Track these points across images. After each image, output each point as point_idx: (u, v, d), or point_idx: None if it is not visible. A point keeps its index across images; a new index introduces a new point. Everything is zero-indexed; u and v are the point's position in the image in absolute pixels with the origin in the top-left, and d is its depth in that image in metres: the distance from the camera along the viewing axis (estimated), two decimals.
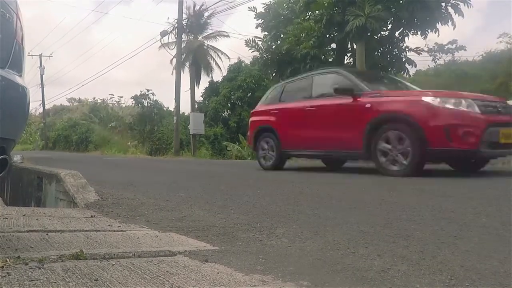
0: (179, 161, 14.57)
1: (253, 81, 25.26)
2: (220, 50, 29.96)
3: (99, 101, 42.15)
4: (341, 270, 1.73)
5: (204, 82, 29.45)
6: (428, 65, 28.96)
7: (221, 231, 2.57)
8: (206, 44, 29.83)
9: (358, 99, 6.42)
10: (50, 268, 1.57)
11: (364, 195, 4.08)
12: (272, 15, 16.90)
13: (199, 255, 1.93)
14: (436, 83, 28.52)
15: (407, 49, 15.40)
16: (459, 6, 13.28)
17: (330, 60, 16.07)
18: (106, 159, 16.77)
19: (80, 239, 2.19)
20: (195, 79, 24.33)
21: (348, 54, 16.24)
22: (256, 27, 17.28)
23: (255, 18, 17.09)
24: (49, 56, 40.62)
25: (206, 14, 25.49)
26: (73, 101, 50.68)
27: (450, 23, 13.54)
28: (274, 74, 17.65)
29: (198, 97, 26.89)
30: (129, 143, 24.52)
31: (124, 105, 37.01)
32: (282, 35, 16.40)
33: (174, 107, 20.91)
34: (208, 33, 29.34)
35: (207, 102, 26.91)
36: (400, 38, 15.10)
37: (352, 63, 15.58)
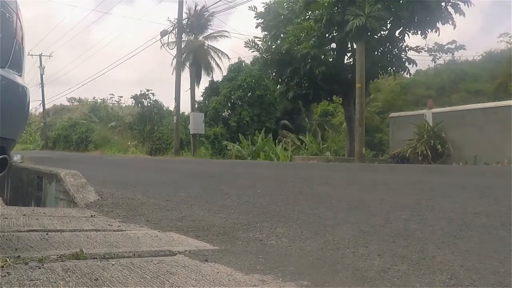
0: (179, 161, 14.57)
1: (253, 80, 25.27)
2: (220, 51, 30.04)
3: (99, 100, 42.21)
4: (341, 269, 1.73)
5: (204, 82, 29.51)
6: (428, 65, 28.95)
7: (221, 230, 2.57)
8: (206, 44, 29.87)
9: None
10: (50, 267, 1.57)
11: (364, 195, 4.08)
12: (272, 15, 16.91)
13: (199, 255, 1.92)
14: (436, 83, 28.59)
15: (407, 48, 15.40)
16: (459, 5, 13.29)
17: (330, 60, 16.08)
18: (106, 158, 16.77)
19: (80, 239, 2.19)
20: (195, 79, 24.32)
21: (348, 54, 16.25)
22: (256, 27, 17.29)
23: (255, 17, 17.10)
24: (49, 56, 40.50)
25: (206, 14, 25.49)
26: (73, 101, 50.74)
27: (450, 23, 13.55)
28: (274, 74, 17.67)
29: (198, 97, 26.94)
30: (129, 143, 24.51)
31: (124, 105, 37.04)
32: (282, 35, 16.41)
33: (174, 107, 20.92)
34: (209, 33, 29.43)
35: (207, 102, 26.92)
36: (400, 37, 15.11)
37: (352, 62, 15.59)
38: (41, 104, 39.84)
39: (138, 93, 23.99)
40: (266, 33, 17.30)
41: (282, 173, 7.25)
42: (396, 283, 1.56)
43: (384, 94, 29.62)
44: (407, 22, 14.15)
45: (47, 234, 2.28)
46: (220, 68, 29.52)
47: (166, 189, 4.69)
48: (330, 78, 15.48)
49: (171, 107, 24.76)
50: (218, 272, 1.63)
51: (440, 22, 13.70)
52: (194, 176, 7.15)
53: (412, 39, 34.74)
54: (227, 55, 29.66)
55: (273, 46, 16.78)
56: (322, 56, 15.42)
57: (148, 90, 24.06)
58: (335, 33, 14.67)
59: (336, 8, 14.03)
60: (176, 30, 20.85)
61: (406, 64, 15.38)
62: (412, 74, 19.41)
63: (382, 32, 14.77)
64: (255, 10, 17.11)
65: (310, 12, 15.43)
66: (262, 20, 17.09)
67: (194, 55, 28.91)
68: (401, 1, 13.32)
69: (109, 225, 2.74)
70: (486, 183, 5.16)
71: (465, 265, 1.75)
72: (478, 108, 12.28)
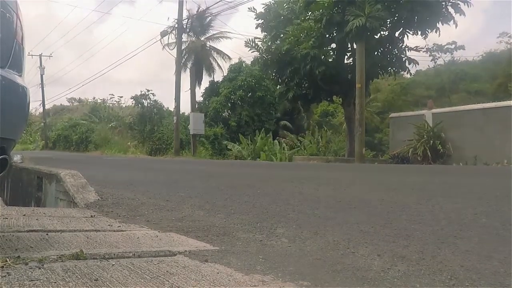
0: (179, 161, 14.57)
1: (253, 81, 25.28)
2: (222, 52, 30.08)
3: (99, 101, 42.19)
4: (341, 270, 1.73)
5: (205, 82, 29.54)
6: (428, 65, 28.99)
7: (221, 231, 2.57)
8: (208, 45, 29.90)
9: None
10: (50, 268, 1.57)
11: (364, 195, 4.08)
12: (272, 16, 16.92)
13: (199, 255, 1.92)
14: (436, 83, 28.60)
15: (407, 48, 15.41)
16: (459, 5, 13.29)
17: (330, 60, 16.09)
18: (106, 159, 16.77)
19: (80, 239, 2.19)
20: (196, 80, 24.33)
21: (348, 54, 16.26)
22: (256, 27, 17.31)
23: (255, 18, 17.11)
24: (49, 56, 40.47)
25: (208, 15, 25.50)
26: (73, 101, 50.76)
27: (450, 23, 13.56)
28: (274, 74, 17.69)
29: (199, 97, 26.95)
30: (129, 143, 24.51)
31: (124, 105, 37.02)
32: (282, 35, 16.42)
33: (174, 107, 20.93)
34: (210, 34, 29.48)
35: (207, 102, 26.93)
36: (400, 38, 15.12)
37: (352, 63, 15.59)
38: (41, 104, 39.86)
39: (138, 94, 24.06)
40: (266, 33, 17.32)
41: (282, 174, 7.25)
42: (396, 283, 1.56)
43: (384, 94, 29.65)
44: (407, 22, 14.16)
45: (47, 234, 2.28)
46: (222, 69, 29.59)
47: (166, 189, 4.69)
48: (330, 78, 15.49)
49: (172, 107, 24.79)
50: (218, 273, 1.63)
51: (440, 22, 13.71)
52: (194, 176, 7.15)
53: (412, 39, 34.82)
54: (228, 56, 29.72)
55: (273, 47, 16.79)
56: (322, 57, 15.44)
57: (148, 90, 24.14)
58: (335, 33, 14.69)
59: (336, 8, 14.04)
60: (176, 30, 20.84)
61: (406, 64, 15.39)
62: (412, 74, 19.43)
63: (382, 33, 14.78)
64: (255, 11, 17.13)
65: (310, 12, 15.45)
66: (262, 20, 17.11)
67: (196, 56, 28.94)
68: (401, 1, 13.33)
69: (109, 225, 2.74)
70: (486, 183, 5.16)
71: (465, 265, 1.75)
72: (478, 108, 12.29)
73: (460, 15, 13.26)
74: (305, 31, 15.33)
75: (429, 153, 11.97)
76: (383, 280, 1.60)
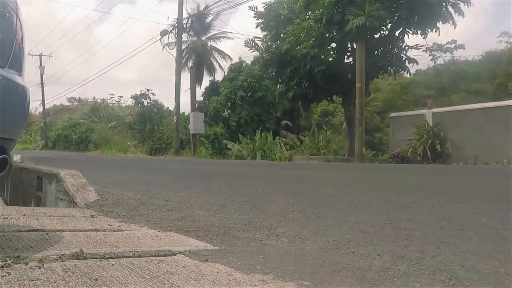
0: (179, 161, 14.57)
1: (254, 81, 25.27)
2: (223, 52, 30.09)
3: (99, 100, 42.18)
4: (341, 269, 1.73)
5: (205, 82, 29.55)
6: (428, 65, 28.99)
7: (221, 230, 2.57)
8: (209, 45, 29.90)
9: None
10: (50, 267, 1.57)
11: (364, 195, 4.08)
12: (272, 15, 16.92)
13: (199, 255, 1.93)
14: (436, 83, 28.59)
15: (406, 47, 15.41)
16: (459, 5, 13.29)
17: (330, 60, 16.08)
18: (106, 158, 16.77)
19: (80, 239, 2.19)
20: (196, 79, 24.33)
21: (348, 54, 16.25)
22: (256, 27, 17.32)
23: (255, 17, 17.11)
24: (49, 56, 40.46)
25: (208, 15, 25.52)
26: (73, 101, 50.75)
27: (450, 22, 13.57)
28: (274, 73, 17.69)
29: (199, 97, 26.96)
30: (129, 143, 24.51)
31: (124, 105, 37.01)
32: (282, 35, 16.42)
33: (174, 106, 20.93)
34: (211, 34, 29.49)
35: (207, 101, 26.93)
36: (400, 37, 15.12)
37: (352, 62, 15.59)
38: (41, 104, 39.86)
39: (138, 93, 24.07)
40: (266, 33, 17.32)
41: (282, 173, 7.25)
42: (396, 283, 1.56)
43: (384, 94, 29.65)
44: (407, 22, 14.16)
45: (47, 234, 2.28)
46: (222, 68, 29.60)
47: (166, 189, 4.69)
48: (330, 78, 15.49)
49: (172, 107, 24.82)
50: (218, 272, 1.63)
51: (440, 21, 13.71)
52: (194, 176, 7.15)
53: (412, 39, 34.78)
54: (229, 55, 29.74)
55: (273, 46, 16.79)
56: (322, 56, 15.43)
57: (148, 90, 24.15)
58: (335, 33, 14.69)
59: (336, 8, 14.04)
60: (176, 30, 20.83)
61: (406, 63, 15.39)
62: (412, 73, 19.44)
63: (382, 32, 14.78)
64: (255, 10, 17.13)
65: (310, 12, 15.44)
66: (262, 20, 17.11)
67: (196, 56, 28.95)
68: (401, 1, 13.32)
69: (109, 225, 2.74)
70: (486, 182, 5.16)
71: (465, 265, 1.75)
72: (478, 108, 12.29)
73: (459, 15, 13.26)
74: (305, 31, 15.33)
75: (429, 153, 11.97)
76: (383, 280, 1.60)
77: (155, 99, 24.43)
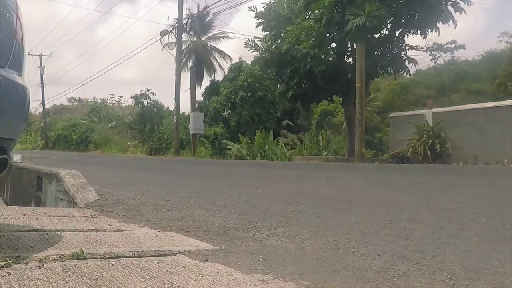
0: (179, 161, 14.57)
1: (254, 81, 25.27)
2: (223, 52, 30.09)
3: (99, 100, 42.17)
4: (341, 269, 1.73)
5: (205, 82, 29.55)
6: (428, 65, 28.98)
7: (221, 230, 2.57)
8: (209, 45, 29.90)
9: None
10: (50, 267, 1.57)
11: (364, 195, 4.08)
12: (272, 15, 16.91)
13: (199, 255, 1.93)
14: (436, 83, 28.60)
15: (407, 47, 15.40)
16: (459, 4, 13.28)
17: (330, 59, 16.08)
18: (106, 158, 16.76)
19: (80, 239, 2.19)
20: (196, 79, 24.33)
21: (348, 54, 16.25)
22: (256, 27, 17.28)
23: (255, 17, 17.10)
24: (49, 56, 40.41)
25: (208, 15, 25.51)
26: (73, 101, 50.74)
27: (450, 22, 13.55)
28: (274, 73, 17.68)
29: (199, 97, 26.96)
30: (129, 143, 24.51)
31: (124, 105, 37.02)
32: (282, 35, 16.41)
33: (174, 106, 20.93)
34: (211, 34, 29.49)
35: (207, 101, 26.93)
36: (400, 37, 15.11)
37: (352, 62, 15.58)
38: (41, 104, 39.84)
39: (138, 93, 24.07)
40: (266, 33, 17.31)
41: (282, 173, 7.25)
42: (396, 283, 1.56)
43: (384, 94, 29.64)
44: (407, 22, 14.15)
45: (47, 234, 2.28)
46: (222, 68, 29.60)
47: (166, 189, 4.69)
48: (330, 77, 15.48)
49: (172, 107, 24.81)
50: (218, 272, 1.63)
51: (440, 21, 13.70)
52: (194, 175, 7.15)
53: (412, 39, 34.80)
54: (229, 55, 29.73)
55: (273, 46, 16.79)
56: (322, 56, 15.42)
57: (148, 90, 24.15)
58: (335, 32, 14.68)
59: (336, 8, 14.03)
60: (176, 30, 20.82)
61: (406, 63, 15.38)
62: (412, 74, 19.42)
63: (382, 32, 14.77)
64: (255, 10, 17.12)
65: (310, 12, 15.44)
66: (262, 20, 17.10)
67: (196, 56, 28.95)
68: (401, 1, 13.32)
69: (109, 225, 2.74)
70: (486, 182, 5.16)
71: (465, 265, 1.75)
72: (478, 108, 12.28)
73: (460, 13, 13.24)
74: (305, 31, 15.31)
75: (429, 153, 11.96)
76: (383, 280, 1.60)
77: (155, 99, 24.47)
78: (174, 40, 21.59)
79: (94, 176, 5.54)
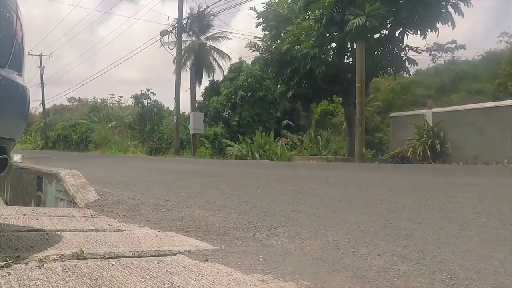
0: (179, 161, 14.57)
1: (254, 80, 25.28)
2: (222, 51, 30.09)
3: (99, 100, 42.15)
4: (341, 269, 1.73)
5: (205, 82, 29.56)
6: (428, 65, 28.96)
7: (221, 230, 2.57)
8: (208, 45, 29.91)
9: None
10: (50, 267, 1.57)
11: (364, 195, 4.08)
12: (272, 15, 16.91)
13: (199, 255, 1.93)
14: (436, 83, 28.59)
15: (407, 48, 15.40)
16: (459, 5, 13.28)
17: (330, 59, 16.08)
18: (106, 158, 16.76)
19: (80, 239, 2.19)
20: (196, 79, 24.34)
21: (348, 54, 16.25)
22: (256, 27, 17.29)
23: (255, 17, 17.11)
24: (49, 56, 40.39)
25: (208, 15, 25.48)
26: (73, 101, 50.73)
27: (450, 23, 13.55)
28: (274, 73, 17.69)
29: (199, 97, 26.97)
30: (129, 143, 24.51)
31: (124, 105, 36.98)
32: (282, 35, 16.41)
33: (174, 106, 20.93)
34: (210, 34, 29.49)
35: (207, 101, 26.94)
36: (400, 37, 15.11)
37: (352, 62, 15.59)
38: (41, 104, 39.84)
39: (138, 93, 24.08)
40: (266, 32, 17.32)
41: (282, 173, 7.25)
42: (396, 283, 1.56)
43: (384, 94, 29.64)
44: (407, 22, 14.15)
45: (47, 234, 2.28)
46: (222, 68, 29.60)
47: (166, 189, 4.69)
48: (330, 77, 15.48)
49: (172, 107, 24.82)
50: (218, 272, 1.63)
51: (440, 22, 13.70)
52: (194, 175, 7.15)
53: (412, 39, 34.79)
54: (228, 55, 29.73)
55: (273, 46, 16.79)
56: (322, 56, 15.42)
57: (148, 90, 24.16)
58: (335, 33, 14.68)
59: (336, 8, 14.02)
60: (176, 30, 20.82)
61: (406, 63, 15.38)
62: (412, 74, 19.42)
63: (382, 32, 14.77)
64: (255, 10, 17.14)
65: (310, 12, 15.43)
66: (263, 20, 17.10)
67: (196, 55, 28.95)
68: (401, 1, 13.32)
69: (109, 225, 2.74)
70: (486, 182, 5.16)
71: (465, 265, 1.75)
72: (478, 108, 12.27)
73: (458, 15, 13.25)
74: (305, 31, 15.31)
75: (429, 153, 11.96)
76: (383, 280, 1.60)
77: (155, 99, 24.47)
78: (174, 40, 21.60)
79: (94, 176, 5.54)
